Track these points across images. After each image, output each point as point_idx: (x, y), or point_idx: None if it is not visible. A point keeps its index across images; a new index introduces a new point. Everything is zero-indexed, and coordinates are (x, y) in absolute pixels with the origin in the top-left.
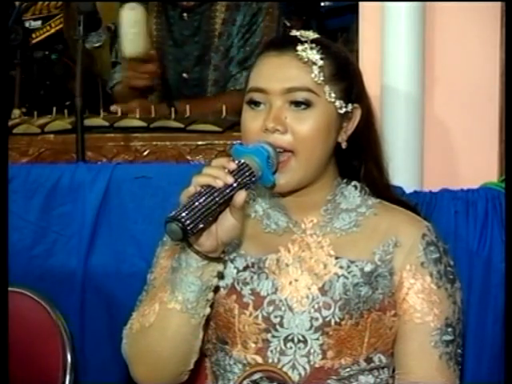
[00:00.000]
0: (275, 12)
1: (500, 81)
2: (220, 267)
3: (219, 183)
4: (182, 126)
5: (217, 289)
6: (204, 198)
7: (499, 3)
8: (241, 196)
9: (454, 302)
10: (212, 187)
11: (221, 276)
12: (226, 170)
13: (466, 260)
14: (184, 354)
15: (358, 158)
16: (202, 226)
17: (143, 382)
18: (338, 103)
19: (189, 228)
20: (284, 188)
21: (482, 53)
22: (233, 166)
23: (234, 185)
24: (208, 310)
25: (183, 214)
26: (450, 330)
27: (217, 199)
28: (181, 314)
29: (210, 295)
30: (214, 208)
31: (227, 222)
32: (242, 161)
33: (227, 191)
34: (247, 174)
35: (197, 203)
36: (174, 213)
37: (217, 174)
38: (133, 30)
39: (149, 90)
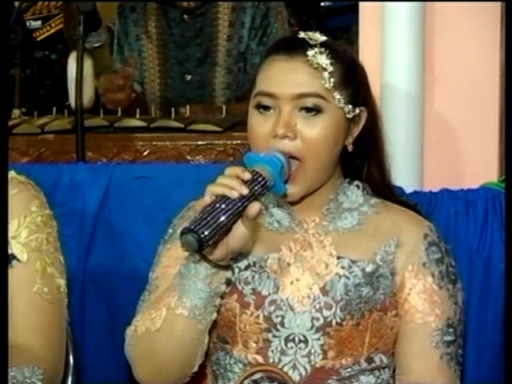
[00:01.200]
0: (284, 12)
1: (500, 81)
2: (228, 274)
3: (235, 194)
4: (182, 125)
5: (223, 294)
6: (219, 209)
7: (499, 3)
8: (255, 207)
9: (455, 303)
10: (227, 198)
11: (228, 282)
12: (240, 180)
13: (466, 260)
14: (189, 358)
15: (361, 157)
16: (217, 238)
17: (146, 383)
18: (346, 108)
19: (205, 240)
20: (295, 197)
21: (481, 53)
22: (247, 175)
23: (249, 195)
24: (215, 315)
25: (199, 226)
26: (451, 330)
27: (232, 210)
28: (188, 320)
29: (218, 301)
30: (228, 220)
31: (238, 231)
32: (256, 170)
33: (241, 202)
34: (261, 184)
35: (212, 215)
36: (189, 224)
37: (232, 185)
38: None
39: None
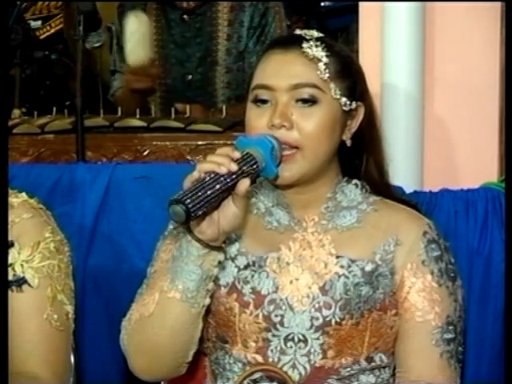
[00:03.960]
0: (282, 11)
1: (500, 81)
2: (221, 257)
3: (223, 170)
4: (182, 125)
5: (217, 281)
6: (208, 183)
7: (499, 3)
8: (244, 184)
9: (455, 300)
10: (216, 173)
11: (221, 267)
12: (230, 158)
13: (466, 260)
14: (183, 345)
15: (359, 156)
16: (204, 210)
17: (142, 374)
18: (342, 100)
19: (192, 211)
20: (287, 180)
21: (482, 53)
22: (237, 154)
23: (238, 172)
24: (208, 300)
25: (187, 197)
26: (451, 328)
27: (220, 185)
28: (181, 303)
29: (211, 285)
30: (217, 194)
31: (229, 210)
32: (247, 151)
33: (231, 178)
34: (251, 163)
35: (200, 188)
36: (177, 195)
37: (221, 161)
38: (134, 38)
39: (149, 93)
